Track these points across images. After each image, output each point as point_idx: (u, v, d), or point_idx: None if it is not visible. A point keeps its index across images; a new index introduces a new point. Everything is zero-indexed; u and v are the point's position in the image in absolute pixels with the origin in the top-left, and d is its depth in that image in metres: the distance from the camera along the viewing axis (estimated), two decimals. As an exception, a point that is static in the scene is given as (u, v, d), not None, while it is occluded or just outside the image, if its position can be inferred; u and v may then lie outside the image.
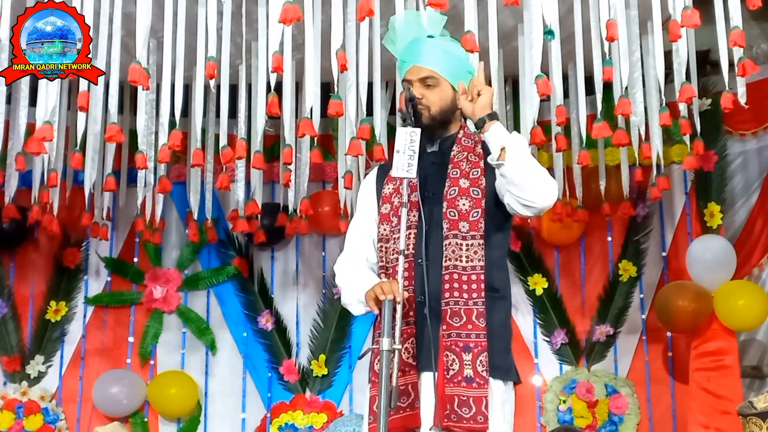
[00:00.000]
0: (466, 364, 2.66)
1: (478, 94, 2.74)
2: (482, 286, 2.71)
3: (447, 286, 2.70)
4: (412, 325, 2.71)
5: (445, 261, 2.72)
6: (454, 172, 2.81)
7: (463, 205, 2.76)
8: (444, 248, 2.73)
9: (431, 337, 2.66)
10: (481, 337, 2.67)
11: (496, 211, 2.78)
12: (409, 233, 2.73)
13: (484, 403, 2.64)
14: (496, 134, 2.70)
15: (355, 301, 2.82)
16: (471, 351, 2.66)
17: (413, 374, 2.70)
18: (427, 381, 2.69)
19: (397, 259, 2.65)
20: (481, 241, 2.73)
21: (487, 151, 2.78)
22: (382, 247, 2.83)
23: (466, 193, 2.77)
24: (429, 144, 2.87)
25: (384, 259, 2.81)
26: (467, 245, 2.72)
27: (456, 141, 2.87)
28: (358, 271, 2.88)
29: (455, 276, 2.70)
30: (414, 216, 2.74)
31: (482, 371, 2.66)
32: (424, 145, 2.81)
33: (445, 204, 2.77)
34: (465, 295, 2.70)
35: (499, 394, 2.72)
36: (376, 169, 3.04)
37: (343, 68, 3.94)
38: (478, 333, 2.68)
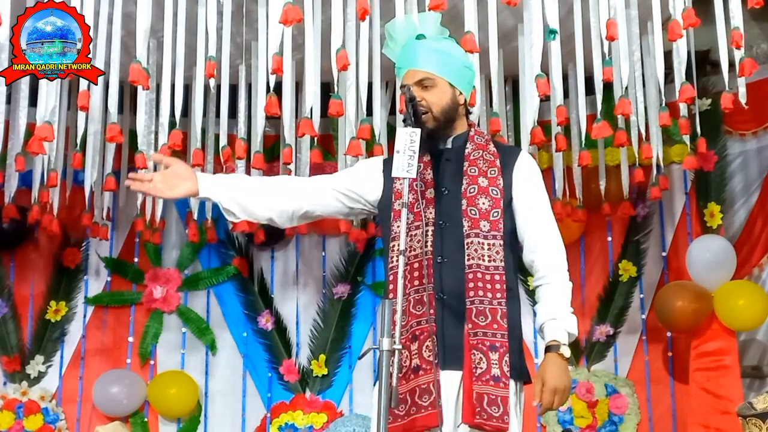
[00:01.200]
0: (493, 364, 2.64)
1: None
2: (504, 286, 2.72)
3: (471, 285, 2.70)
4: (433, 323, 2.68)
5: (468, 260, 2.71)
6: (472, 170, 2.81)
7: (483, 204, 2.76)
8: (466, 246, 2.72)
9: (454, 335, 2.66)
10: (505, 338, 2.67)
11: (510, 212, 2.81)
12: (427, 230, 2.73)
13: (508, 403, 2.65)
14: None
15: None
16: (497, 350, 2.66)
17: (435, 372, 2.68)
18: (449, 379, 2.68)
19: (409, 258, 2.65)
20: (501, 242, 2.74)
21: (500, 150, 2.85)
22: (393, 246, 2.80)
23: (486, 192, 2.77)
24: (441, 143, 2.87)
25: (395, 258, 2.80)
26: (489, 245, 2.73)
27: (469, 138, 2.88)
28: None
29: (479, 275, 2.70)
30: (431, 213, 2.75)
31: (507, 371, 2.66)
32: (436, 143, 2.83)
33: (464, 201, 2.76)
34: (489, 295, 2.69)
35: (513, 394, 2.72)
36: (384, 157, 3.03)
37: (344, 68, 3.94)
38: (503, 333, 2.67)
